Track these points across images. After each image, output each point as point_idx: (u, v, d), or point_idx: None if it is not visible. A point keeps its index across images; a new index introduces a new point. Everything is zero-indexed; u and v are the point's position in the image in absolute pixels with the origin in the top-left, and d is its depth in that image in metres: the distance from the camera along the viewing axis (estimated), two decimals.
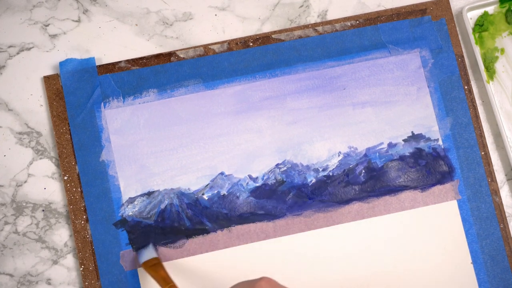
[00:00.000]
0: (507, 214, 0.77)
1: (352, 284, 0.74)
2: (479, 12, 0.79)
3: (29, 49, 0.77)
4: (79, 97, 0.75)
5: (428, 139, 0.76)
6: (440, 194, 0.75)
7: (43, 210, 0.74)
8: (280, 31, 0.77)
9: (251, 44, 0.76)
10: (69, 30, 0.77)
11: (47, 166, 0.75)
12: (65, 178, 0.74)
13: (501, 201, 0.75)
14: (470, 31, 0.77)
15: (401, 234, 0.75)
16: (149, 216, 0.74)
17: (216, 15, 0.78)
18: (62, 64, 0.75)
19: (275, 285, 0.56)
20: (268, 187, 0.74)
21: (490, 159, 0.76)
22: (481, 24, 0.78)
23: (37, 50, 0.77)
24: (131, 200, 0.74)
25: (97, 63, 0.76)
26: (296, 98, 0.76)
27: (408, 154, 0.76)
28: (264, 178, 0.75)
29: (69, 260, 0.74)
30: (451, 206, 0.75)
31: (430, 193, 0.75)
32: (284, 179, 0.75)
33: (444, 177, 0.76)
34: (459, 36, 0.79)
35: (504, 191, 0.77)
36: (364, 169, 0.75)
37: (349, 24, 0.77)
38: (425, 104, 0.76)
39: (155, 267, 0.70)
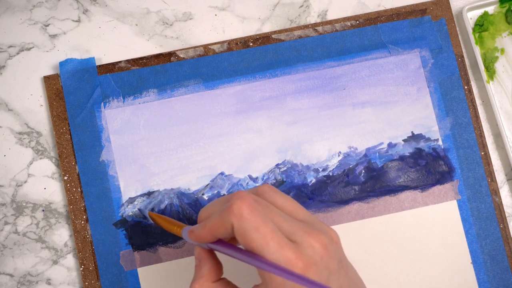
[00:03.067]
0: (507, 214, 0.77)
1: None
2: (479, 12, 0.79)
3: (29, 49, 0.77)
4: (79, 97, 0.75)
5: (428, 139, 0.76)
6: (440, 194, 0.75)
7: (43, 210, 0.74)
8: (280, 31, 0.77)
9: (251, 44, 0.76)
10: (69, 30, 0.77)
11: (47, 166, 0.75)
12: (65, 178, 0.74)
13: (501, 201, 0.75)
14: (470, 31, 0.77)
15: (401, 234, 0.75)
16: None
17: (216, 15, 0.79)
18: (62, 64, 0.75)
19: (251, 206, 0.52)
20: None
21: (490, 159, 0.76)
22: (481, 24, 0.78)
23: (37, 50, 0.77)
24: (131, 200, 0.74)
25: (97, 63, 0.76)
26: (296, 98, 0.76)
27: (408, 154, 0.76)
28: (264, 178, 0.75)
29: (69, 260, 0.74)
30: (451, 206, 0.75)
31: (430, 193, 0.75)
32: (284, 179, 0.75)
33: (444, 177, 0.76)
34: (459, 36, 0.79)
35: (504, 191, 0.78)
36: (364, 169, 0.75)
37: (349, 24, 0.77)
38: (425, 104, 0.76)
39: (160, 215, 0.69)
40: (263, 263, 0.49)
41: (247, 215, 0.51)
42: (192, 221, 0.74)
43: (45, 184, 0.75)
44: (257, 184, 0.75)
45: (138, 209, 0.74)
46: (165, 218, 0.67)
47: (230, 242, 0.56)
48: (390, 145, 0.76)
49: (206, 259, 0.58)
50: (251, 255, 0.51)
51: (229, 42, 0.76)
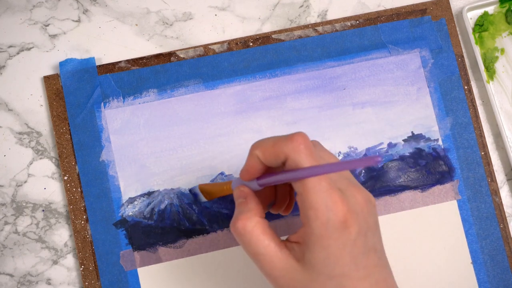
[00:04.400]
0: (507, 214, 0.77)
1: None
2: (479, 12, 0.79)
3: (29, 49, 0.77)
4: (79, 97, 0.75)
5: (428, 139, 0.76)
6: (440, 194, 0.75)
7: (43, 210, 0.74)
8: (280, 31, 0.77)
9: (251, 44, 0.76)
10: (69, 30, 0.77)
11: (47, 166, 0.75)
12: (65, 178, 0.74)
13: (501, 201, 0.75)
14: (470, 31, 0.77)
15: (400, 234, 0.75)
16: (149, 216, 0.74)
17: (216, 15, 0.79)
18: (62, 64, 0.75)
19: (309, 145, 0.52)
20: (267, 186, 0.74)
21: (490, 159, 0.76)
22: (481, 24, 0.78)
23: (37, 50, 0.77)
24: (131, 200, 0.74)
25: (97, 63, 0.76)
26: (296, 98, 0.76)
27: (408, 154, 0.76)
28: None
29: (69, 260, 0.74)
30: (451, 206, 0.75)
31: (430, 193, 0.75)
32: None
33: (444, 177, 0.76)
34: (459, 36, 0.79)
35: (504, 191, 0.78)
36: (364, 169, 0.75)
37: (349, 24, 0.77)
38: (425, 104, 0.76)
39: (207, 184, 0.70)
40: (313, 170, 0.50)
41: (304, 150, 0.51)
42: (192, 221, 0.74)
43: (45, 184, 0.75)
44: None
45: (189, 190, 0.74)
46: (212, 185, 0.68)
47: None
48: (390, 145, 0.76)
49: (252, 196, 0.57)
50: (298, 170, 0.51)
51: (229, 42, 0.76)
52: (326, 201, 0.50)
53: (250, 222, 0.54)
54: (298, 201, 0.52)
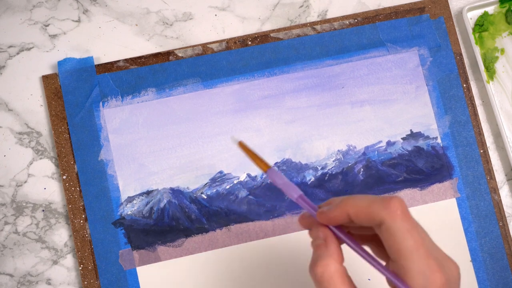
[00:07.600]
0: (507, 214, 0.77)
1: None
2: (479, 12, 0.79)
3: (29, 49, 0.77)
4: (78, 96, 0.75)
5: (427, 137, 0.76)
6: (439, 192, 0.75)
7: (43, 210, 0.75)
8: (278, 30, 0.77)
9: (250, 43, 0.77)
10: (69, 30, 0.78)
11: (47, 166, 0.75)
12: (64, 177, 0.74)
13: (500, 199, 0.75)
14: (470, 31, 0.77)
15: None
16: (148, 215, 0.74)
17: (216, 15, 0.79)
18: (60, 63, 0.75)
19: (406, 210, 0.51)
20: (267, 185, 0.74)
21: (489, 157, 0.76)
22: (481, 24, 0.78)
23: (37, 50, 0.77)
24: (130, 199, 0.74)
25: (97, 63, 0.76)
26: (295, 96, 0.76)
27: (406, 152, 0.76)
28: (263, 177, 0.75)
29: (69, 260, 0.74)
30: (450, 204, 0.75)
31: (429, 191, 0.75)
32: None
33: (443, 175, 0.75)
34: (459, 36, 0.79)
35: (504, 191, 0.77)
36: (363, 168, 0.75)
37: (347, 22, 0.77)
38: (423, 102, 0.76)
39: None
40: (391, 275, 0.50)
41: (403, 215, 0.51)
42: (191, 220, 0.74)
43: (45, 184, 0.75)
44: (256, 183, 0.75)
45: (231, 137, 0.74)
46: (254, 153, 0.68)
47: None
48: (389, 144, 0.76)
49: (332, 238, 0.55)
50: (376, 261, 0.52)
51: (228, 41, 0.76)
52: (424, 269, 0.50)
53: (330, 269, 0.53)
54: (391, 266, 0.52)
